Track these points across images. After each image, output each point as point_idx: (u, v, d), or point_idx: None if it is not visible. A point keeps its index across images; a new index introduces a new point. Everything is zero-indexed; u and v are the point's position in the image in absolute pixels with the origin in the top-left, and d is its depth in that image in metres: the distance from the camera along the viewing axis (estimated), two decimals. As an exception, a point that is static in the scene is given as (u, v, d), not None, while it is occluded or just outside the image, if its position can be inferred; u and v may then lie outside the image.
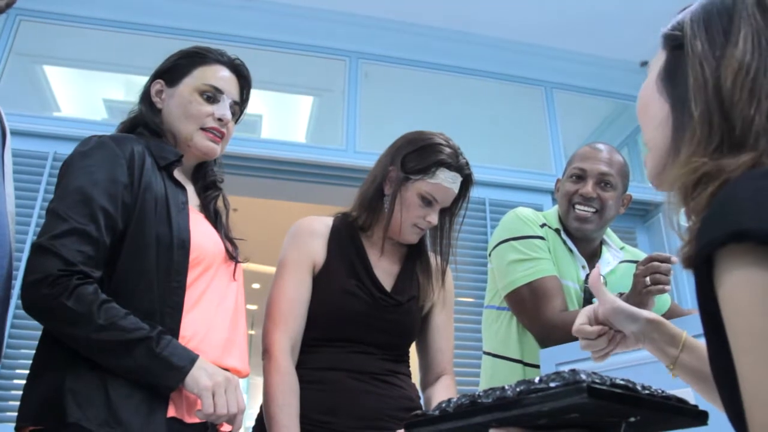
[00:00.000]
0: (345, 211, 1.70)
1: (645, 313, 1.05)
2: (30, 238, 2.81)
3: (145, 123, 1.45)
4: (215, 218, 1.47)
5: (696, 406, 0.75)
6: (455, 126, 3.81)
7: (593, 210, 1.89)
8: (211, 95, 1.45)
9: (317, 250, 1.60)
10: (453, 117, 3.80)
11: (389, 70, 3.76)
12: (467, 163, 1.65)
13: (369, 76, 3.70)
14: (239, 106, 1.53)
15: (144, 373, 1.18)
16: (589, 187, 1.89)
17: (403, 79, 3.78)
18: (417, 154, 1.60)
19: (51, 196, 2.97)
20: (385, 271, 1.65)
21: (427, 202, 1.59)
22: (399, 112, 3.64)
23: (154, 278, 1.25)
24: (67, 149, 2.96)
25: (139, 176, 1.30)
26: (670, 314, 2.02)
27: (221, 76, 1.48)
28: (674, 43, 0.80)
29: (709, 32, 0.76)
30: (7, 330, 2.62)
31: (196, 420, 1.25)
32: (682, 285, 3.48)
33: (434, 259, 1.70)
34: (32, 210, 2.88)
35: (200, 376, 1.19)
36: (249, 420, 2.07)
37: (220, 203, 1.52)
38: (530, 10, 3.62)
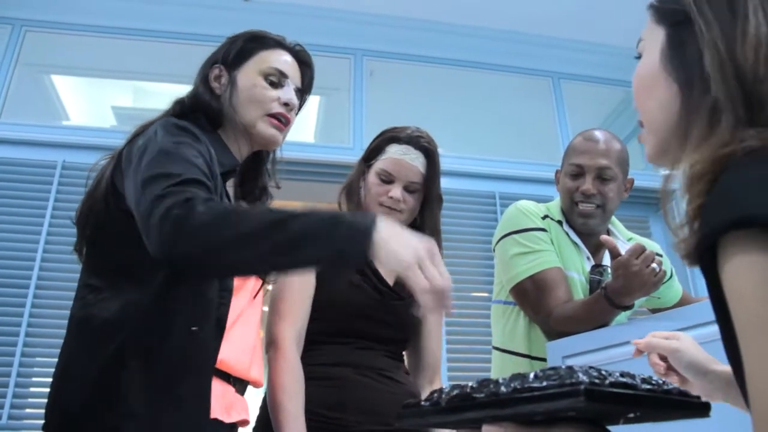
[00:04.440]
0: None
1: (718, 367, 1.03)
2: (41, 247, 2.83)
3: (204, 109, 1.34)
4: None
5: (698, 398, 0.73)
6: (463, 120, 3.81)
7: (596, 205, 1.87)
8: (276, 80, 1.37)
9: None
10: (460, 111, 3.78)
11: (394, 66, 3.74)
12: (422, 136, 1.67)
13: (374, 73, 3.69)
14: (301, 93, 1.46)
15: (323, 234, 0.95)
16: (588, 184, 1.86)
17: (408, 75, 3.76)
18: (373, 143, 1.70)
19: (61, 205, 2.99)
20: (387, 269, 1.65)
21: (384, 179, 1.64)
22: (406, 109, 3.62)
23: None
24: (75, 158, 3.05)
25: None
26: (682, 303, 2.00)
27: (285, 60, 1.41)
28: (676, 18, 0.76)
29: (713, 6, 0.71)
30: (22, 337, 2.66)
31: (234, 419, 1.29)
32: (698, 272, 3.42)
33: None
34: (42, 219, 2.89)
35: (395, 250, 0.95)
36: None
37: None
38: (535, 0, 3.58)
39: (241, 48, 1.39)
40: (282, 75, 1.38)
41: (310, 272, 1.47)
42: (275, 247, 0.95)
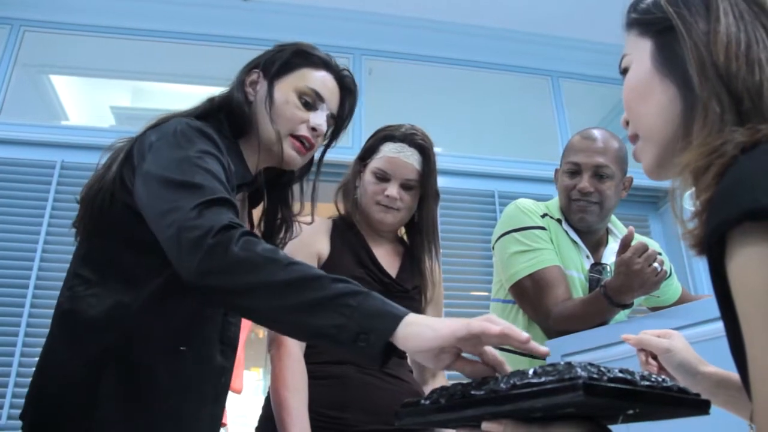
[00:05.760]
0: (340, 214, 1.74)
1: (707, 369, 1.04)
2: (40, 247, 2.83)
3: (232, 111, 1.27)
4: None
5: (698, 395, 0.73)
6: (462, 119, 3.81)
7: (593, 203, 1.87)
8: (311, 101, 1.30)
9: (321, 244, 1.61)
10: (459, 110, 3.78)
11: (393, 65, 3.74)
12: (417, 134, 1.66)
13: (373, 72, 3.69)
14: (335, 120, 1.37)
15: (347, 311, 0.88)
16: (585, 182, 1.86)
17: (407, 74, 3.77)
18: (368, 142, 1.70)
19: (60, 205, 2.98)
20: (388, 263, 1.66)
21: (379, 177, 1.64)
22: (405, 108, 3.62)
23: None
24: (74, 158, 3.05)
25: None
26: (681, 301, 2.00)
27: (325, 83, 1.33)
28: (660, 26, 0.79)
29: (692, 11, 0.76)
30: (22, 338, 2.65)
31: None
32: (698, 270, 3.43)
33: (427, 259, 1.70)
34: (41, 219, 2.89)
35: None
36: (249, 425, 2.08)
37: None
38: None
39: (285, 60, 1.32)
40: (318, 97, 1.31)
41: (318, 343, 1.16)
42: (302, 303, 0.87)
